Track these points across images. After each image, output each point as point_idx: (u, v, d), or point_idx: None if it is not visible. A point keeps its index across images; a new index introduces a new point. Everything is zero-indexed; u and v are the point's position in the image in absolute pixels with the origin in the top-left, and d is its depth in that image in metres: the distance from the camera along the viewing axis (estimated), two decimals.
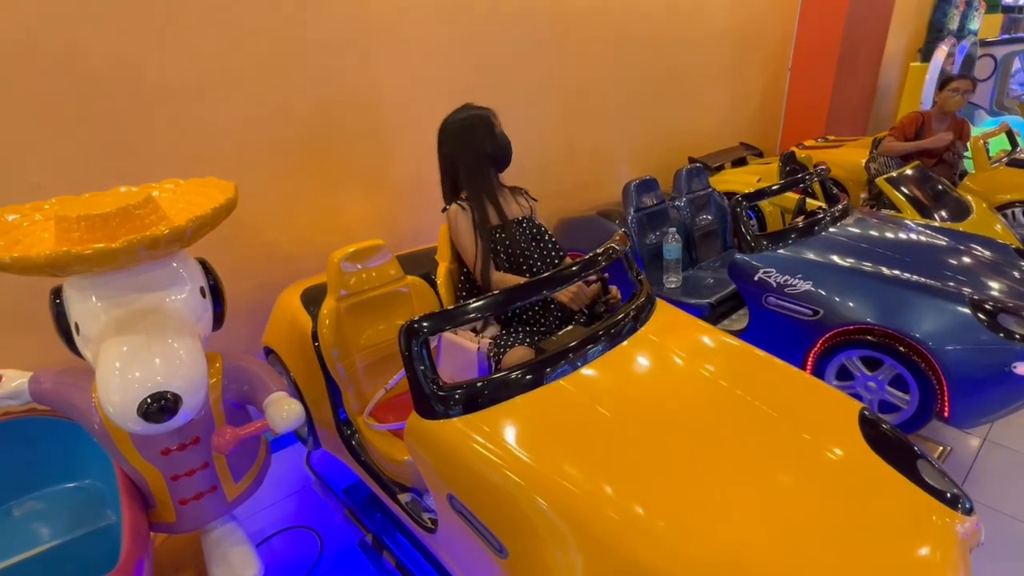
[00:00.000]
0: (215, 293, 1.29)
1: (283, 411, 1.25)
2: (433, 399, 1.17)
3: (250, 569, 1.35)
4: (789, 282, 1.99)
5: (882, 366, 1.85)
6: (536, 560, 1.00)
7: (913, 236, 2.22)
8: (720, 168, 3.82)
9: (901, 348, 1.77)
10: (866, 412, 1.23)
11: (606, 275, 1.64)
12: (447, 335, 1.74)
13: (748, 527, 0.95)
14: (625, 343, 1.35)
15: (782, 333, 2.04)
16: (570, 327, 1.54)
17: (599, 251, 1.42)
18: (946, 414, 1.76)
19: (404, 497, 1.52)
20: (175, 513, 1.30)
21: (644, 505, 0.98)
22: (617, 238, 1.50)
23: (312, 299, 1.81)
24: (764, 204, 3.30)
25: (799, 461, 1.09)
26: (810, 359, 1.99)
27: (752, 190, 2.29)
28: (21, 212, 1.10)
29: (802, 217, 2.31)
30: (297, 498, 2.15)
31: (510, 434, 1.12)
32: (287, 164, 2.23)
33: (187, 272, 1.20)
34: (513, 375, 1.20)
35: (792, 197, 2.84)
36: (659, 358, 1.34)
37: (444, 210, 1.77)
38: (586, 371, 1.26)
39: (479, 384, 1.19)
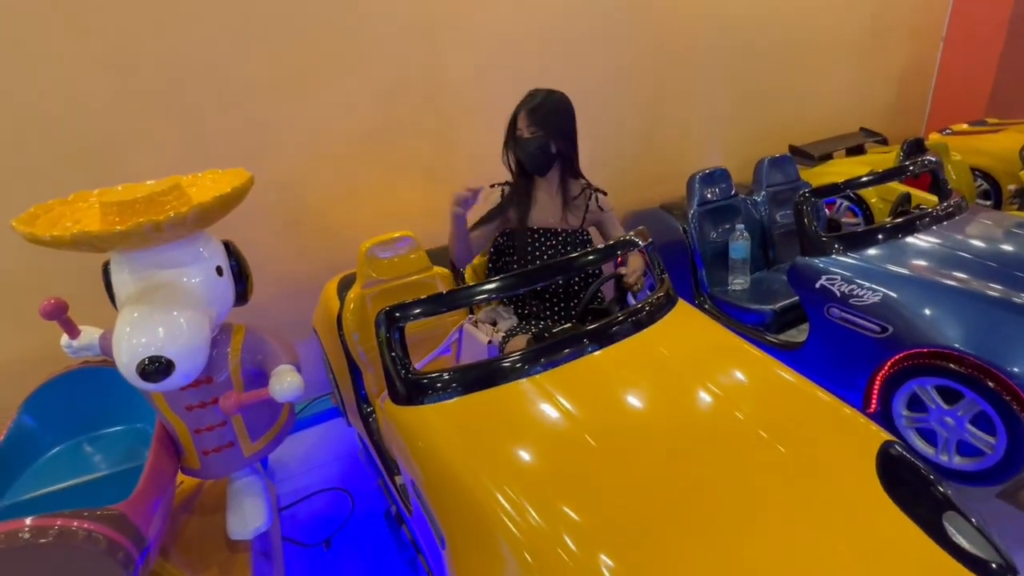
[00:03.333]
0: (237, 272, 1.44)
1: (284, 382, 1.37)
2: (401, 383, 1.20)
3: (258, 520, 1.51)
4: (855, 292, 1.72)
5: (963, 399, 1.54)
6: (469, 557, 0.98)
7: None
8: (827, 158, 3.37)
9: (990, 383, 1.45)
10: (892, 448, 1.02)
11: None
12: (467, 327, 1.77)
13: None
14: (622, 343, 1.24)
15: (845, 350, 1.78)
16: (567, 325, 1.48)
17: (614, 243, 1.35)
18: None
19: (399, 479, 1.59)
20: (199, 461, 1.49)
21: (596, 537, 0.89)
22: (637, 231, 1.42)
23: (347, 285, 1.94)
24: (873, 199, 2.86)
25: (792, 500, 0.93)
26: (876, 383, 1.71)
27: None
28: (67, 202, 1.31)
29: (892, 216, 1.98)
30: (344, 463, 2.34)
31: (472, 429, 1.11)
32: (351, 153, 2.38)
33: (207, 252, 1.35)
34: (487, 367, 1.19)
35: (899, 191, 2.44)
36: (658, 366, 1.23)
37: (492, 185, 1.80)
38: (571, 370, 1.19)
39: (448, 374, 1.19)
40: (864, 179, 2.00)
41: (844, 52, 3.82)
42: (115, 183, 1.44)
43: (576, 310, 1.67)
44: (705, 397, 1.13)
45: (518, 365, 1.18)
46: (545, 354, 1.20)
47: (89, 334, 1.52)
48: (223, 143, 2.12)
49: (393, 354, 1.20)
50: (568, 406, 1.11)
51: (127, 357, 1.14)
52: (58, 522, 1.09)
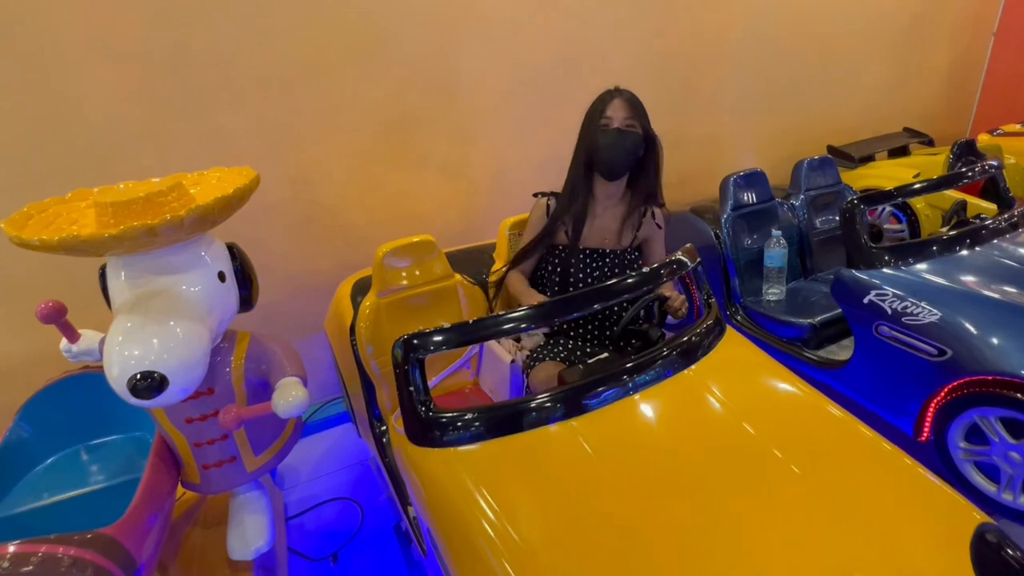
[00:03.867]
0: (241, 277, 1.35)
1: (288, 397, 1.28)
2: (420, 423, 1.08)
3: (259, 540, 1.43)
4: (910, 309, 1.57)
5: None
6: None
7: None
8: (869, 159, 3.18)
9: None
10: (989, 533, 0.85)
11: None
12: (488, 341, 1.66)
13: None
14: (667, 384, 1.09)
15: (895, 372, 1.63)
16: (604, 355, 1.33)
17: (659, 265, 1.20)
18: None
19: (412, 511, 1.49)
20: (199, 476, 1.41)
21: None
22: (685, 251, 1.27)
23: (361, 290, 1.82)
24: (919, 204, 2.68)
25: None
26: (930, 410, 1.57)
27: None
28: (65, 201, 1.23)
29: (948, 226, 1.82)
30: (354, 471, 2.26)
31: (496, 482, 0.99)
32: (366, 150, 2.29)
33: (209, 256, 1.26)
34: (514, 408, 1.07)
35: (952, 198, 2.27)
36: (704, 416, 1.06)
37: (535, 194, 1.64)
38: (609, 416, 1.05)
39: (471, 414, 1.07)
40: (918, 186, 1.83)
41: (886, 46, 3.61)
42: (126, 179, 1.37)
43: (611, 333, 1.53)
44: (765, 461, 0.97)
45: (548, 406, 1.05)
46: (580, 394, 1.06)
47: (89, 338, 1.44)
48: (234, 138, 2.04)
49: (411, 388, 1.08)
50: (604, 463, 0.98)
51: (117, 370, 1.05)
52: (42, 548, 1.01)
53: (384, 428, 1.72)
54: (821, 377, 1.90)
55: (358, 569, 1.79)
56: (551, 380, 1.39)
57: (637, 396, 1.07)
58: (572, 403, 1.06)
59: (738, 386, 1.12)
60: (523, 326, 1.07)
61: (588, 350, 1.54)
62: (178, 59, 1.88)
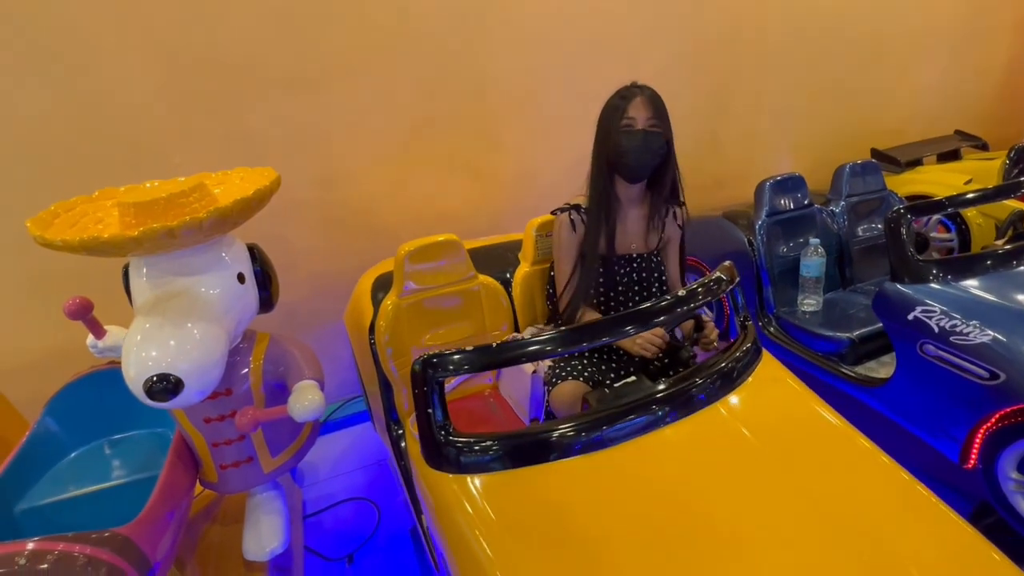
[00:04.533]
0: (261, 278, 1.35)
1: (304, 400, 1.27)
2: (436, 447, 1.05)
3: (274, 541, 1.43)
4: (959, 328, 1.47)
5: None
6: None
7: None
8: (916, 163, 3.02)
9: None
10: None
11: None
12: None
13: None
14: (699, 415, 1.04)
15: (940, 394, 1.53)
16: (631, 378, 1.27)
17: (697, 285, 1.13)
18: None
19: (425, 520, 1.46)
20: (217, 475, 1.42)
21: None
22: (724, 268, 1.21)
23: (383, 285, 1.80)
24: (972, 214, 2.53)
25: None
26: (978, 437, 1.46)
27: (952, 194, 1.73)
28: (91, 200, 1.25)
29: (1004, 239, 1.70)
30: (371, 471, 2.26)
31: (513, 515, 0.95)
32: (392, 149, 2.28)
33: (230, 257, 1.26)
34: (536, 438, 1.03)
35: (1009, 207, 2.12)
36: (742, 458, 0.99)
37: (554, 212, 1.57)
38: (632, 450, 1.00)
39: (492, 442, 1.03)
40: (972, 195, 1.72)
41: (937, 43, 3.42)
42: (155, 177, 1.38)
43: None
44: (805, 513, 0.90)
45: (573, 436, 1.01)
46: (608, 423, 1.02)
47: (115, 335, 1.46)
48: (262, 137, 2.05)
49: (429, 411, 1.05)
50: (629, 504, 0.93)
51: (134, 371, 1.06)
52: (60, 546, 1.02)
53: (401, 432, 1.70)
54: (859, 395, 1.81)
55: (373, 571, 1.79)
56: (575, 403, 1.34)
57: (667, 429, 1.01)
58: (599, 433, 1.01)
59: (777, 423, 1.04)
60: (548, 350, 1.02)
61: (613, 364, 1.49)
62: (207, 57, 1.89)
